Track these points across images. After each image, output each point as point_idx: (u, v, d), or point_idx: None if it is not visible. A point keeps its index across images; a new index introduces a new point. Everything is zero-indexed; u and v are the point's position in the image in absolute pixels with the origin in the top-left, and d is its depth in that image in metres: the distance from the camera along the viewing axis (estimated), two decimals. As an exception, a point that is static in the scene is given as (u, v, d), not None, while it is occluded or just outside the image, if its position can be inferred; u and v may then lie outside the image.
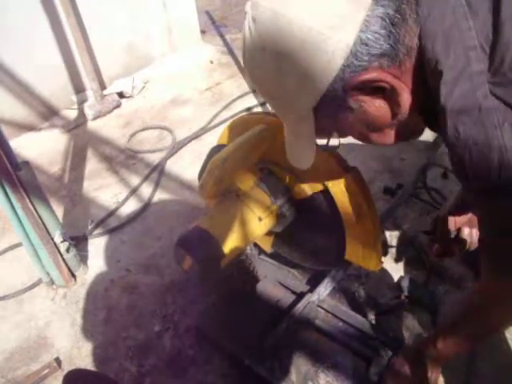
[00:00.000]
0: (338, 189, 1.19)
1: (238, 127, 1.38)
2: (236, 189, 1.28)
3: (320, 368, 1.42)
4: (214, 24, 4.46)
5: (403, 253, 1.88)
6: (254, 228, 1.24)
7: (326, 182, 1.20)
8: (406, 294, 1.67)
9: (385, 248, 1.70)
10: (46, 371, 1.61)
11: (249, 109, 3.01)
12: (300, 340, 1.49)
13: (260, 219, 1.23)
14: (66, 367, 1.64)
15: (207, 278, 1.61)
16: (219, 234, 1.18)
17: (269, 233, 1.43)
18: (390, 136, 0.87)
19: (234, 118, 1.47)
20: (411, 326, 1.61)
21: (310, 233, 1.40)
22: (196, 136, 2.82)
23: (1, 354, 1.72)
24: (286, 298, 1.60)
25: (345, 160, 1.20)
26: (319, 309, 1.56)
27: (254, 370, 1.43)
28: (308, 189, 1.25)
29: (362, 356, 1.42)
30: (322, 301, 1.56)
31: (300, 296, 1.58)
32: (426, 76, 0.75)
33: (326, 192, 1.23)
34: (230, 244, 1.20)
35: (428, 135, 2.56)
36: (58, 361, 1.65)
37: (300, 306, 1.52)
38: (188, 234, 1.19)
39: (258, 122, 1.23)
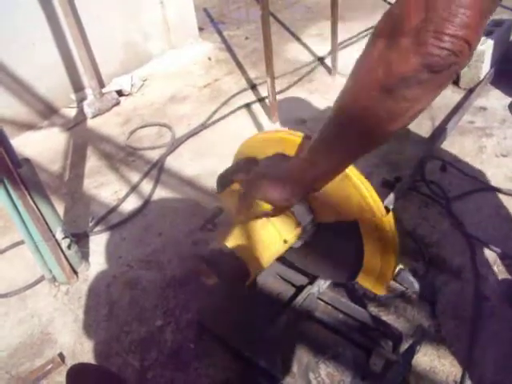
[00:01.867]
0: (369, 225, 1.18)
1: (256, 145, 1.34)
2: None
3: (321, 359, 1.42)
4: (212, 21, 4.47)
5: (402, 245, 1.89)
6: (278, 249, 1.24)
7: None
8: (405, 285, 1.68)
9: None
10: (50, 366, 1.62)
11: (247, 105, 3.02)
12: (301, 332, 1.50)
13: (285, 242, 1.24)
14: (70, 362, 1.66)
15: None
16: (246, 256, 1.18)
17: None
18: None
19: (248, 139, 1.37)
20: (411, 317, 1.63)
21: (326, 252, 1.40)
22: (195, 132, 2.83)
23: (5, 350, 1.74)
24: (286, 291, 1.61)
25: (381, 199, 1.15)
26: (319, 301, 1.57)
27: (255, 362, 1.45)
28: (331, 216, 1.19)
29: (362, 347, 1.43)
30: (321, 293, 1.57)
31: (300, 289, 1.58)
32: None
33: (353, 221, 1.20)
34: (256, 265, 1.20)
35: (426, 129, 2.57)
36: (61, 356, 1.67)
37: (300, 298, 1.53)
38: (216, 254, 1.20)
39: (279, 141, 1.22)
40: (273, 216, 1.11)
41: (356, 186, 1.11)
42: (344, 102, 0.75)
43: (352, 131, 0.75)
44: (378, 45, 0.64)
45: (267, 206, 1.03)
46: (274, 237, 1.20)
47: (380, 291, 1.32)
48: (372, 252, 1.24)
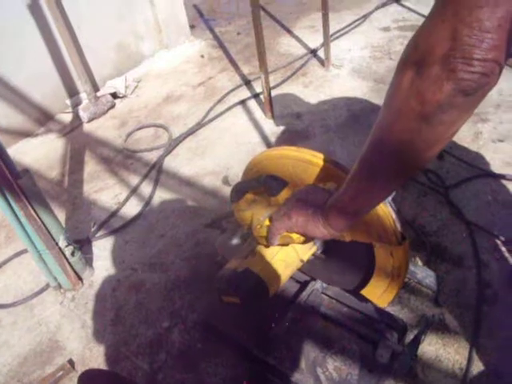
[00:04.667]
0: (384, 250, 1.20)
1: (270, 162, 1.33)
2: None
3: (328, 354, 1.44)
4: (203, 18, 4.45)
5: (403, 235, 1.91)
6: (295, 268, 1.27)
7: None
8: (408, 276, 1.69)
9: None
10: (61, 373, 1.64)
11: (242, 101, 3.02)
12: (306, 328, 1.51)
13: (302, 261, 1.25)
14: (80, 368, 1.68)
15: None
16: (267, 275, 1.20)
17: None
18: None
19: (257, 155, 1.36)
20: (414, 307, 1.64)
21: (334, 262, 1.42)
22: (192, 132, 2.83)
23: (15, 359, 1.76)
24: (291, 288, 1.62)
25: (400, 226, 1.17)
26: (324, 296, 1.58)
27: (262, 359, 1.46)
28: (348, 237, 1.19)
29: (368, 339, 1.44)
30: (325, 288, 1.58)
31: (304, 284, 1.60)
32: None
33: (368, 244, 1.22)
34: (275, 283, 1.23)
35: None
36: (71, 362, 1.69)
37: (305, 294, 1.54)
38: (235, 274, 1.21)
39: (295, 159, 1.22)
40: (301, 244, 1.13)
41: (378, 214, 1.12)
42: (381, 136, 0.75)
43: (393, 164, 0.77)
44: (407, 75, 0.66)
45: (300, 238, 1.04)
46: (292, 257, 1.22)
47: (383, 304, 1.34)
48: (382, 271, 1.26)
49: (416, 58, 0.64)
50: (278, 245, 1.13)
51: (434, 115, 0.65)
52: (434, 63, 0.61)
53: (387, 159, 0.76)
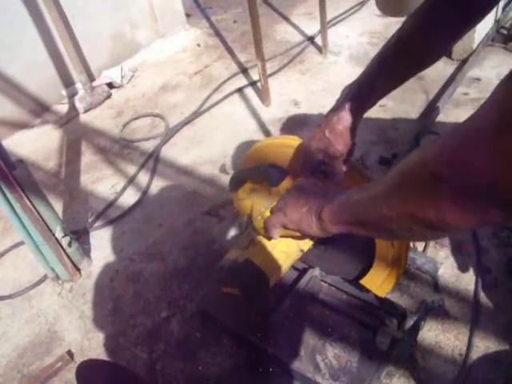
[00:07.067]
0: (384, 240, 1.21)
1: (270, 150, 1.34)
2: None
3: (327, 341, 1.44)
4: (199, 6, 4.41)
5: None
6: (295, 258, 1.25)
7: None
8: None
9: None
10: (60, 364, 1.64)
11: (239, 89, 3.00)
12: (305, 315, 1.51)
13: (302, 251, 1.24)
14: (79, 359, 1.67)
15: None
16: (267, 266, 1.19)
17: None
18: None
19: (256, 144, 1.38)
20: (414, 293, 1.64)
21: (335, 254, 1.40)
22: (188, 121, 2.81)
23: (14, 351, 1.75)
24: (289, 275, 1.61)
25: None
26: (322, 283, 1.57)
27: (261, 347, 1.46)
28: None
29: (367, 326, 1.44)
30: (324, 275, 1.58)
31: (303, 271, 1.59)
32: None
33: None
34: (276, 274, 1.21)
35: (420, 103, 2.56)
36: (70, 353, 1.68)
37: (303, 281, 1.54)
38: (235, 266, 1.20)
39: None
40: (299, 239, 1.11)
41: None
42: (385, 211, 0.70)
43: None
44: (442, 187, 0.60)
45: (296, 233, 1.02)
46: (292, 247, 1.21)
47: (382, 294, 1.34)
48: (382, 261, 1.26)
49: (459, 181, 0.58)
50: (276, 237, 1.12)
51: (440, 230, 0.64)
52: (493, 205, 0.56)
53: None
